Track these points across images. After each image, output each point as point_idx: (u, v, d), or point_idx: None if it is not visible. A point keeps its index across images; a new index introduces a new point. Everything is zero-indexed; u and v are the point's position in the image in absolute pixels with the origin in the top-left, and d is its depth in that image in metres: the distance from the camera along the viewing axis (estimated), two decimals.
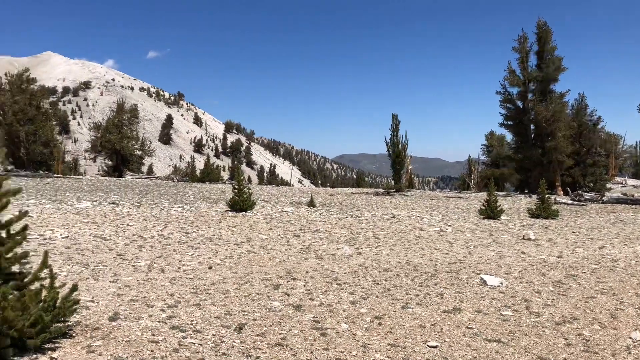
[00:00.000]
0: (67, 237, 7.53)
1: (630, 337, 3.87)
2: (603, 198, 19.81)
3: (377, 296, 4.86)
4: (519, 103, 27.37)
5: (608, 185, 27.11)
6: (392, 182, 26.43)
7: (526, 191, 27.15)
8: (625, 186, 37.41)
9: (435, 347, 3.54)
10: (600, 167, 26.68)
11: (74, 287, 3.49)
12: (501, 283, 5.49)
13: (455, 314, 4.37)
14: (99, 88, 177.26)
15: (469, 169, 36.59)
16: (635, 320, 4.32)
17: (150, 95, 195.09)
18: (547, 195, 13.42)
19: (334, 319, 4.10)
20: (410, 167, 32.25)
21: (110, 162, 31.92)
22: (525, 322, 4.18)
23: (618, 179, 42.13)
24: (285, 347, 3.43)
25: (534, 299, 4.93)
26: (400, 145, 25.83)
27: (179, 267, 5.83)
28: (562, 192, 25.05)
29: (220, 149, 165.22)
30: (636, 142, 54.10)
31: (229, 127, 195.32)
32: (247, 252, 7.00)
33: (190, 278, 5.33)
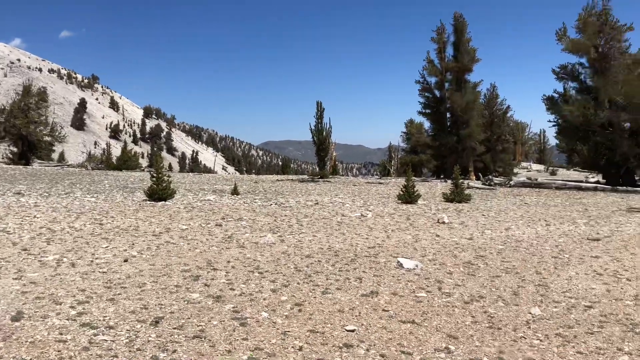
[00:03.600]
0: None
1: (530, 313, 4.19)
2: (510, 182, 21.18)
3: (298, 283, 4.93)
4: (437, 92, 28.51)
5: (515, 170, 29.08)
6: (317, 169, 26.72)
7: (442, 176, 28.43)
8: (530, 171, 40.25)
9: (352, 331, 3.66)
10: (509, 153, 28.52)
11: None
12: (416, 265, 5.74)
13: (372, 297, 4.53)
14: (2, 69, 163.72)
15: (390, 156, 37.78)
16: (535, 297, 4.68)
17: (61, 78, 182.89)
18: (460, 181, 14.14)
19: (254, 308, 4.11)
20: (334, 153, 32.68)
21: (15, 149, 29.68)
22: (438, 303, 4.42)
23: (524, 164, 45.33)
24: (203, 339, 3.39)
25: (446, 280, 5.21)
26: (324, 132, 26.14)
27: (92, 261, 5.57)
28: (474, 177, 26.47)
29: (138, 135, 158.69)
30: (540, 130, 58.48)
31: (148, 112, 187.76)
32: (165, 243, 6.82)
33: (103, 272, 5.11)
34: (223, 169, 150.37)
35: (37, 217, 8.46)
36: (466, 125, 26.89)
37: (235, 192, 14.45)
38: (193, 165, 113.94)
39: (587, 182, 24.66)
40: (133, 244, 6.65)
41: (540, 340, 3.58)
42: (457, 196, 13.74)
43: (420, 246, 7.14)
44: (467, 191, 14.69)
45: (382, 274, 5.42)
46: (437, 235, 8.12)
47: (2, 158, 34.36)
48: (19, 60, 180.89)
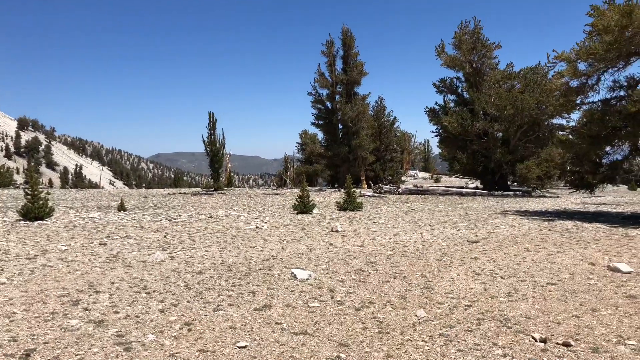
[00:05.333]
0: None
1: (416, 315, 4.39)
2: (399, 190, 22.28)
3: (188, 301, 4.74)
4: (328, 104, 29.27)
5: (403, 178, 30.69)
6: (211, 181, 26.17)
7: (336, 186, 29.19)
8: (416, 178, 42.71)
9: (244, 347, 3.58)
10: (397, 162, 30.01)
11: None
12: (310, 275, 5.79)
13: (265, 311, 4.48)
14: None
15: (285, 166, 38.04)
16: (420, 300, 4.91)
17: None
18: (352, 189, 14.59)
19: (140, 330, 3.88)
20: (229, 165, 32.28)
21: None
22: (330, 312, 4.48)
23: (411, 172, 48.04)
24: None
25: (338, 288, 5.30)
26: (217, 144, 25.72)
27: None
28: (366, 186, 27.50)
29: (12, 149, 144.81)
30: (425, 140, 62.59)
31: (23, 124, 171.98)
32: (41, 267, 6.24)
33: None
34: (110, 183, 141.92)
35: None
36: (357, 136, 27.88)
37: (122, 208, 13.70)
38: (77, 181, 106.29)
39: (467, 187, 26.65)
40: (2, 270, 6.01)
41: (425, 342, 3.75)
42: (350, 205, 14.15)
43: (314, 256, 7.22)
44: (359, 199, 15.20)
45: (276, 286, 5.39)
46: (331, 244, 8.28)
47: None
48: None
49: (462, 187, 26.61)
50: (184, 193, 24.16)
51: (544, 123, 23.74)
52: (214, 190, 24.76)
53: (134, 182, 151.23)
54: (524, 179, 24.53)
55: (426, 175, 48.30)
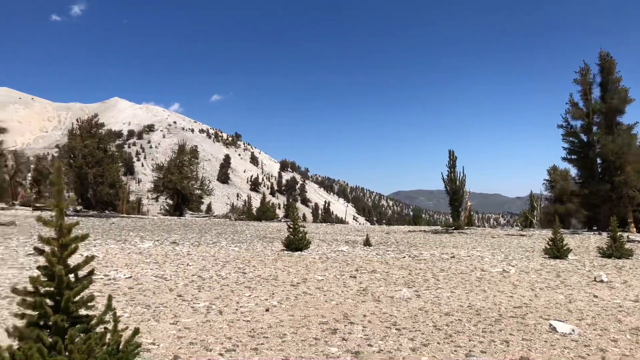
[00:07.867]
0: (130, 277, 7.77)
1: None
2: None
3: (438, 342, 4.66)
4: (583, 136, 26.27)
5: None
6: (451, 220, 25.78)
7: (595, 228, 25.78)
8: None
9: None
10: None
11: (136, 331, 3.52)
12: (573, 330, 5.14)
13: None
14: (161, 131, 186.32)
15: (531, 205, 35.23)
16: None
17: (210, 137, 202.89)
18: (619, 233, 12.61)
19: None
20: (469, 203, 31.45)
21: (171, 202, 33.02)
22: None
23: None
24: None
25: (610, 349, 4.57)
26: (457, 182, 25.28)
27: (237, 309, 5.85)
28: (634, 230, 23.57)
29: (275, 187, 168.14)
30: None
31: (284, 166, 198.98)
32: (303, 294, 6.95)
33: (247, 320, 5.32)
34: (354, 219, 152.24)
35: (190, 265, 9.19)
36: (620, 171, 24.26)
37: (367, 243, 14.45)
38: (325, 216, 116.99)
39: None
40: (273, 294, 6.88)
41: None
42: (616, 251, 12.25)
43: (575, 308, 6.41)
44: (627, 245, 13.07)
45: (532, 337, 4.93)
46: (595, 296, 7.25)
47: (160, 210, 38.43)
48: (175, 122, 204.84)
49: None
50: (424, 231, 24.34)
51: None
52: (453, 229, 24.34)
53: (375, 219, 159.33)
54: None
55: None
